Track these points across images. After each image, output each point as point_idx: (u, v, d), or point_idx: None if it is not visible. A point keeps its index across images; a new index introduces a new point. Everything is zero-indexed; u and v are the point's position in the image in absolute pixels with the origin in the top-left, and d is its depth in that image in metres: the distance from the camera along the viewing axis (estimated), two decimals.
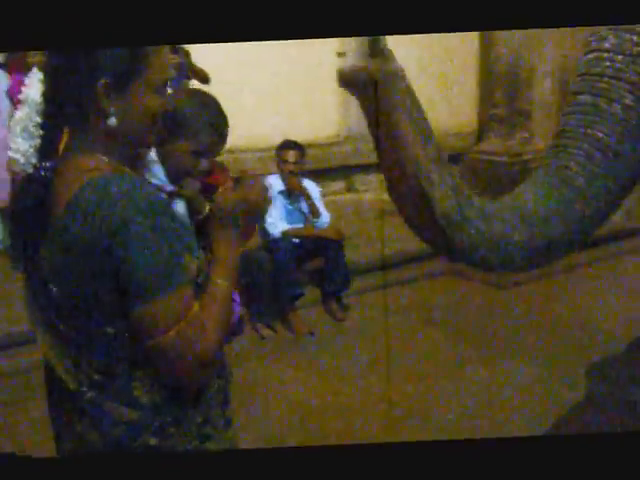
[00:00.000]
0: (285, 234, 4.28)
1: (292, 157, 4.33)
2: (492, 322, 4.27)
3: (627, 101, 1.46)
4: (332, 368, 3.71)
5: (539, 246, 1.48)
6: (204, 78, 4.62)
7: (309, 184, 4.44)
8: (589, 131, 1.47)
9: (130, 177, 1.23)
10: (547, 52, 4.75)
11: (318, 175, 6.19)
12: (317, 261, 4.40)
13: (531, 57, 4.90)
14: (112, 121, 1.22)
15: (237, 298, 3.80)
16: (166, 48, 1.31)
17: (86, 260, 1.18)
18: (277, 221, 4.29)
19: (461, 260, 1.47)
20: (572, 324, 4.12)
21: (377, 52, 1.29)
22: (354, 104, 5.61)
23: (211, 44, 5.36)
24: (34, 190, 1.24)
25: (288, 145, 4.37)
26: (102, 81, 1.20)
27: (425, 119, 1.41)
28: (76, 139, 1.26)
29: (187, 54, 4.41)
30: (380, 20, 1.47)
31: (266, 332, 4.09)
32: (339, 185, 6.70)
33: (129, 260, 1.17)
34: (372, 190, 6.83)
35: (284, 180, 4.33)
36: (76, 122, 1.25)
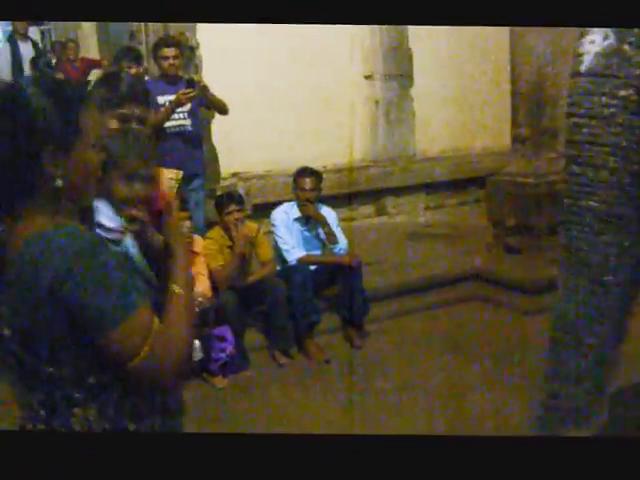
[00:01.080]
0: (302, 261, 4.27)
1: (309, 184, 4.32)
2: (519, 348, 4.15)
3: (611, 164, 1.55)
4: (347, 397, 3.65)
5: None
6: (222, 109, 4.65)
7: (325, 210, 4.43)
8: (584, 203, 1.56)
9: (66, 227, 1.30)
10: (570, 68, 4.64)
11: (347, 200, 6.21)
12: (335, 288, 4.37)
13: (554, 75, 4.78)
14: (58, 183, 1.31)
15: (229, 337, 3.83)
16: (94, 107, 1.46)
17: (36, 309, 1.26)
18: (294, 248, 4.29)
19: None
20: None
21: None
22: (381, 126, 5.61)
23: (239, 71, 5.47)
24: None
25: (304, 172, 4.37)
26: (49, 148, 1.28)
27: None
28: (24, 202, 1.32)
29: (205, 87, 4.45)
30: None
31: (283, 360, 4.06)
32: (369, 209, 6.66)
33: (82, 303, 1.25)
34: (404, 213, 6.80)
35: (300, 207, 4.32)
36: (24, 187, 1.31)
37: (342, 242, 4.40)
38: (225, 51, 5.41)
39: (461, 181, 6.98)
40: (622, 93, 1.56)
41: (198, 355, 3.66)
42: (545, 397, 1.72)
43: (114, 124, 1.80)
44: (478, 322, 4.61)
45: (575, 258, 1.59)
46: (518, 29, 4.82)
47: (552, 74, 4.78)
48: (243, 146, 5.68)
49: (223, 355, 3.79)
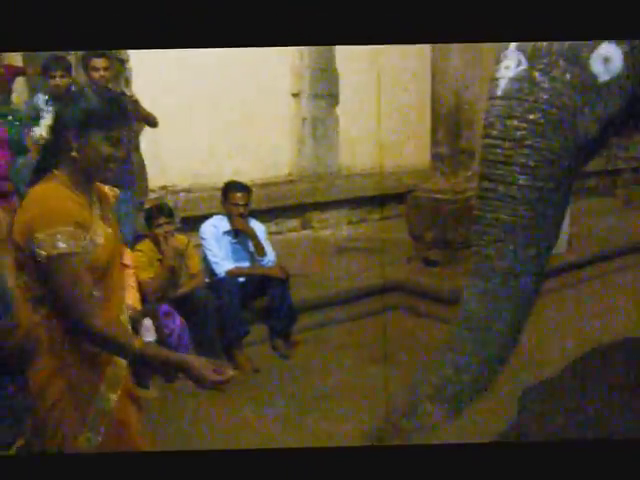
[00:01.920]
0: (231, 273, 4.35)
1: (241, 199, 4.40)
2: (439, 357, 4.32)
3: (521, 182, 1.67)
4: (275, 406, 3.74)
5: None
6: (152, 122, 4.71)
7: (254, 223, 4.53)
8: (496, 215, 1.70)
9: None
10: (487, 91, 4.91)
11: (273, 214, 6.32)
12: (263, 299, 4.46)
13: (472, 98, 5.03)
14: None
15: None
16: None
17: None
18: (223, 261, 4.36)
19: None
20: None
21: None
22: (308, 143, 5.78)
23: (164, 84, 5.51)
24: None
25: (235, 187, 4.45)
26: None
27: None
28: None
29: (136, 101, 4.50)
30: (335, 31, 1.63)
31: None
32: (294, 223, 6.79)
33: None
34: (328, 227, 6.96)
35: (232, 221, 4.41)
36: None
37: (270, 255, 4.50)
38: (154, 65, 5.45)
39: (383, 197, 7.20)
40: (531, 117, 1.68)
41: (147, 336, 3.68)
42: (431, 390, 1.83)
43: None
44: (401, 331, 4.77)
45: (485, 265, 1.73)
46: (439, 52, 5.05)
47: (470, 98, 5.03)
48: (171, 159, 5.73)
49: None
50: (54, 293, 1.75)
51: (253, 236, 4.43)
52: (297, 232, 6.75)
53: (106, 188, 2.01)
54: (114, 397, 1.86)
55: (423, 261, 5.28)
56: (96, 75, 4.47)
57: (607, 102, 1.72)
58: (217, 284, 4.27)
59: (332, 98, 6.93)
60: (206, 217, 4.62)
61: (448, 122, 5.15)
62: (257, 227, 4.52)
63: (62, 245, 1.71)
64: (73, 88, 4.90)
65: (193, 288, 4.18)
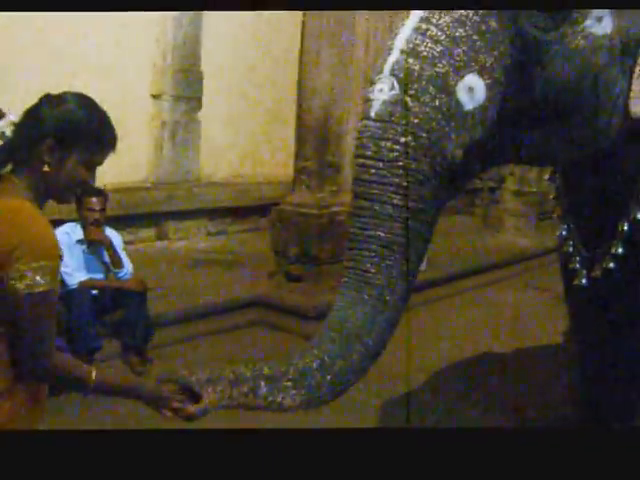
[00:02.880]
0: (83, 285, 4.06)
1: (97, 205, 4.12)
2: None
3: (395, 201, 1.76)
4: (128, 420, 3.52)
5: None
6: None
7: (110, 232, 4.25)
8: (372, 232, 1.77)
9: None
10: (355, 107, 4.94)
11: (126, 222, 6.00)
12: (118, 313, 4.21)
13: (340, 112, 5.05)
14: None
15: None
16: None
17: None
18: (75, 271, 4.07)
19: None
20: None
21: None
22: (167, 148, 5.52)
23: None
24: None
25: (90, 191, 4.14)
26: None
27: None
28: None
29: None
30: None
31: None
32: (149, 233, 6.50)
33: None
34: (185, 238, 6.73)
35: (85, 229, 4.11)
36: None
37: (127, 266, 4.25)
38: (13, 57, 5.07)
39: (243, 208, 7.08)
40: (403, 139, 1.75)
41: None
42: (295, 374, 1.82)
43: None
44: (261, 347, 4.68)
45: (360, 278, 1.79)
46: (311, 66, 5.03)
47: (338, 113, 5.05)
48: None
49: None
50: (19, 328, 1.57)
51: (109, 247, 4.15)
52: (152, 242, 6.47)
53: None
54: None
55: (285, 276, 5.21)
56: None
57: (471, 130, 1.83)
58: (68, 296, 3.96)
59: (195, 101, 6.72)
60: (56, 223, 4.27)
61: (315, 136, 5.14)
62: (113, 236, 4.25)
63: (43, 281, 1.55)
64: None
65: None
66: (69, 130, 1.61)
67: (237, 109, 7.10)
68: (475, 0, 1.78)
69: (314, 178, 5.18)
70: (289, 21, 6.50)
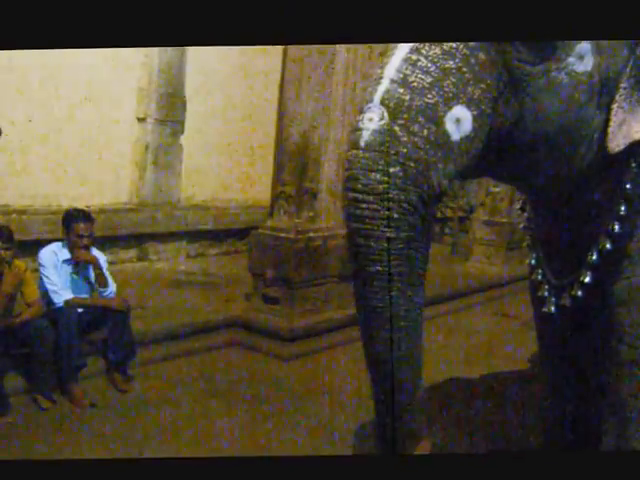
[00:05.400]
0: (69, 303, 4.18)
1: (85, 231, 4.24)
2: (275, 393, 4.41)
3: (389, 234, 1.78)
4: (113, 439, 3.62)
5: None
6: None
7: (96, 252, 4.39)
8: (372, 269, 1.80)
9: None
10: (333, 135, 5.12)
11: (109, 242, 6.13)
12: (102, 331, 4.32)
13: (318, 139, 5.19)
14: None
15: None
16: None
17: None
18: (61, 290, 4.19)
19: None
20: (345, 392, 4.35)
21: None
22: (149, 170, 5.74)
23: None
24: None
25: (79, 217, 4.26)
26: None
27: None
28: None
29: None
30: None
31: (46, 403, 3.91)
32: (130, 254, 6.62)
33: None
34: (165, 260, 6.86)
35: (74, 253, 4.24)
36: None
37: (111, 286, 4.38)
38: None
39: (223, 231, 7.22)
40: (392, 170, 1.76)
41: None
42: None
43: None
44: (238, 368, 4.81)
45: (368, 308, 1.87)
46: (293, 92, 5.20)
47: (317, 140, 5.20)
48: (5, 179, 5.43)
49: None
50: None
51: (95, 266, 4.29)
52: (133, 263, 6.59)
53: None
54: None
55: (262, 298, 5.33)
56: None
57: (456, 159, 1.85)
58: (54, 314, 4.08)
59: (178, 125, 6.88)
60: (39, 242, 4.41)
61: (294, 162, 5.28)
62: (99, 256, 4.38)
63: None
64: None
65: (32, 317, 3.96)
66: None
67: (218, 134, 7.26)
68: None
69: (292, 203, 5.31)
70: (271, 49, 6.69)
